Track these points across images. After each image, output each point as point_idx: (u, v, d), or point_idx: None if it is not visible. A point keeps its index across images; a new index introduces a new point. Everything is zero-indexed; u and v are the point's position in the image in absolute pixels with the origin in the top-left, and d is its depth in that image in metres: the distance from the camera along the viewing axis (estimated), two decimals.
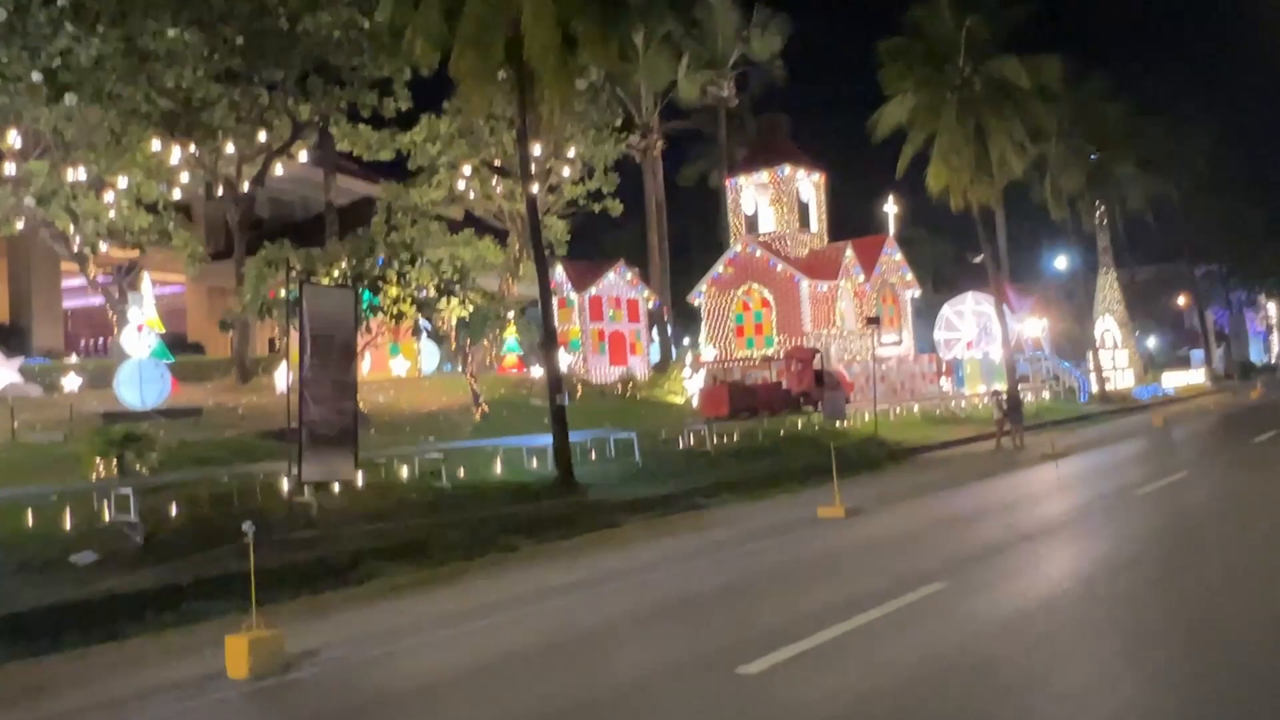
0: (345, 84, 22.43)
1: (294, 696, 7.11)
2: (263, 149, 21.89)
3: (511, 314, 26.60)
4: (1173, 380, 49.36)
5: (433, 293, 18.61)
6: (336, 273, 18.71)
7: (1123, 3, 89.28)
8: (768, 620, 7.89)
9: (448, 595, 10.67)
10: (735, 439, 22.92)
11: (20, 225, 19.63)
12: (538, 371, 25.50)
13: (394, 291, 18.98)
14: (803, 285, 31.57)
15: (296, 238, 22.45)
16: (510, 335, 26.68)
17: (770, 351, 30.59)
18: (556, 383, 17.45)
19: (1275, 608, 7.18)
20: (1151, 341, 59.67)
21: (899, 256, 35.87)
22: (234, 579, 11.41)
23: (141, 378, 17.65)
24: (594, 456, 19.97)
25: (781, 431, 23.96)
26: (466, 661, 7.70)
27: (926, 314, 43.83)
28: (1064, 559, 9.67)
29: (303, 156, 23.66)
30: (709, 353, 32.50)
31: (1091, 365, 42.04)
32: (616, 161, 29.62)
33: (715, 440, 22.01)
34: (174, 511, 12.99)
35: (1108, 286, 52.02)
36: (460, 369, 22.47)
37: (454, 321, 20.94)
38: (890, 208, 34.90)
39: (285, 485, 13.90)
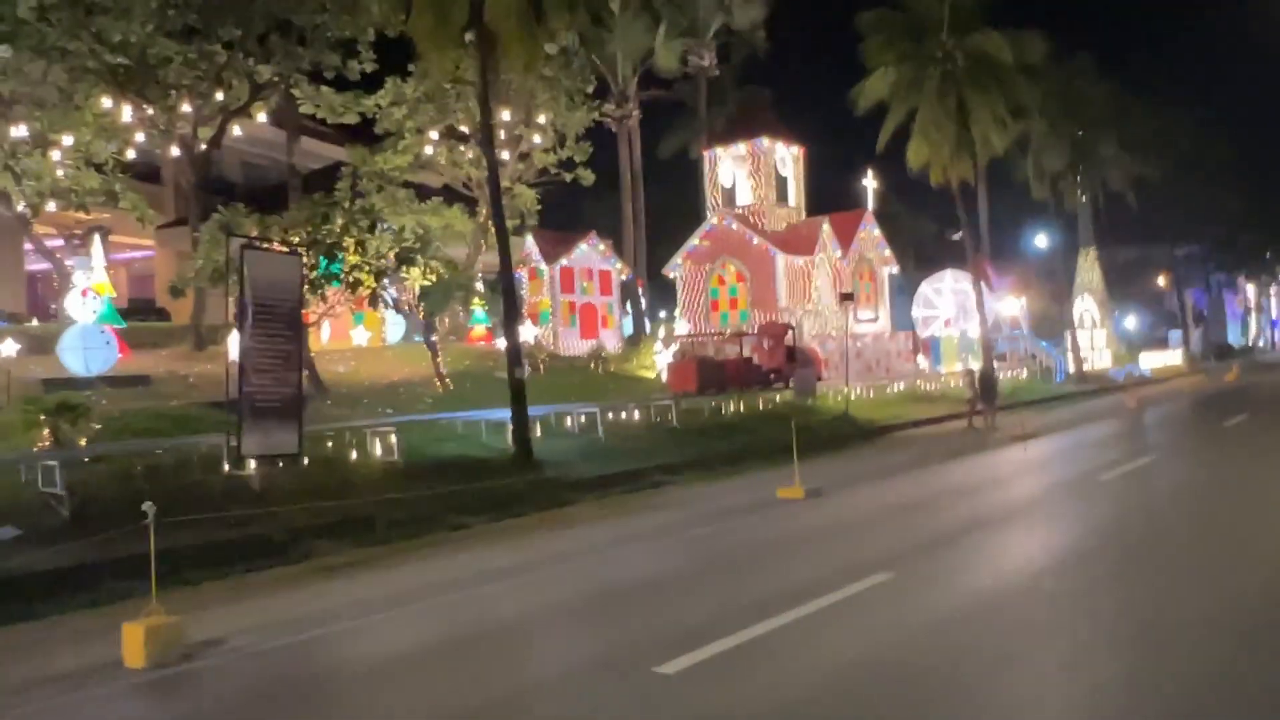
0: (307, 44, 21.67)
1: (185, 688, 6.70)
2: (220, 109, 21.14)
3: (480, 284, 26.06)
4: (1150, 361, 49.31)
5: (391, 261, 18.02)
6: (296, 239, 18.14)
7: None
8: (701, 612, 7.51)
9: (382, 577, 10.27)
10: (704, 415, 22.57)
11: None
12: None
13: (352, 259, 18.43)
14: (778, 260, 31.10)
15: (270, 203, 21.79)
16: (478, 306, 26.13)
17: (744, 326, 30.16)
18: (516, 355, 16.99)
19: (1231, 608, 6.84)
20: (1130, 322, 59.59)
21: (877, 232, 35.41)
22: (161, 557, 11.01)
23: (85, 344, 17.05)
24: (556, 432, 19.55)
25: (751, 408, 23.60)
26: (377, 652, 7.30)
27: (908, 291, 43.48)
28: (1017, 550, 9.33)
29: (261, 118, 22.90)
30: (683, 327, 32.05)
31: (1069, 345, 41.86)
32: (592, 131, 29.00)
33: (683, 416, 21.63)
34: (105, 485, 12.51)
35: (1088, 266, 51.82)
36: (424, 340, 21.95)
37: (417, 291, 20.42)
38: (869, 182, 34.40)
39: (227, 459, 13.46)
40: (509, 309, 17.19)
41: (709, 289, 32.78)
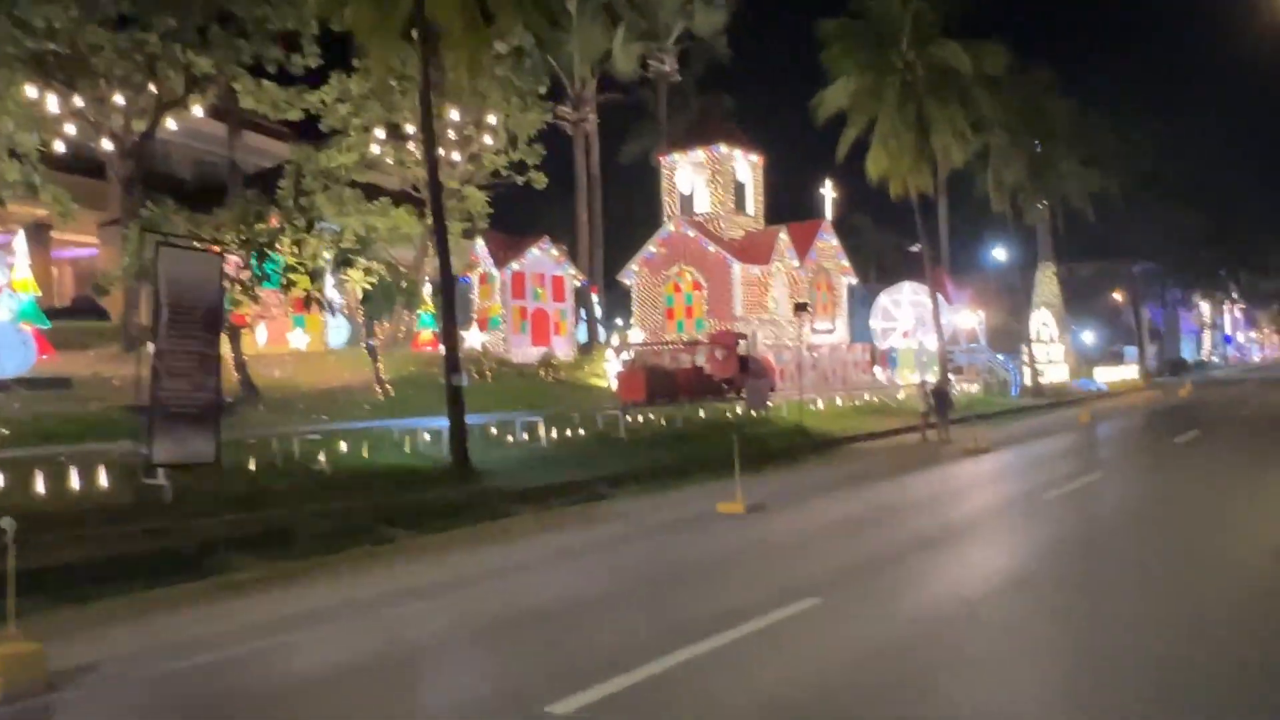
0: (248, 36, 20.94)
1: None
2: (155, 102, 20.33)
3: (429, 288, 25.42)
4: (1105, 376, 49.69)
5: (324, 263, 17.36)
6: (228, 238, 17.44)
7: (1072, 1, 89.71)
8: (613, 640, 7.01)
9: (291, 596, 9.64)
10: (653, 425, 22.11)
11: None
12: None
13: (289, 259, 17.76)
14: (734, 268, 30.75)
15: (218, 201, 20.97)
16: (427, 310, 25.47)
17: (700, 335, 29.74)
18: (454, 361, 16.41)
19: (1169, 640, 6.45)
20: (1087, 337, 60.09)
21: (835, 242, 35.21)
22: (56, 571, 10.31)
23: (1, 343, 16.21)
24: (499, 441, 18.99)
25: (701, 419, 23.18)
26: (260, 683, 6.72)
27: (869, 303, 43.41)
28: (954, 573, 8.92)
29: (199, 112, 22.10)
30: (637, 335, 31.58)
31: (1025, 359, 41.96)
32: (549, 134, 28.46)
33: (631, 426, 21.17)
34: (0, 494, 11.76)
35: (1046, 280, 52.16)
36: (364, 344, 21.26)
37: (359, 294, 19.76)
38: (827, 192, 34.18)
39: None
40: (448, 313, 16.60)
41: (665, 297, 32.35)
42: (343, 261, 17.91)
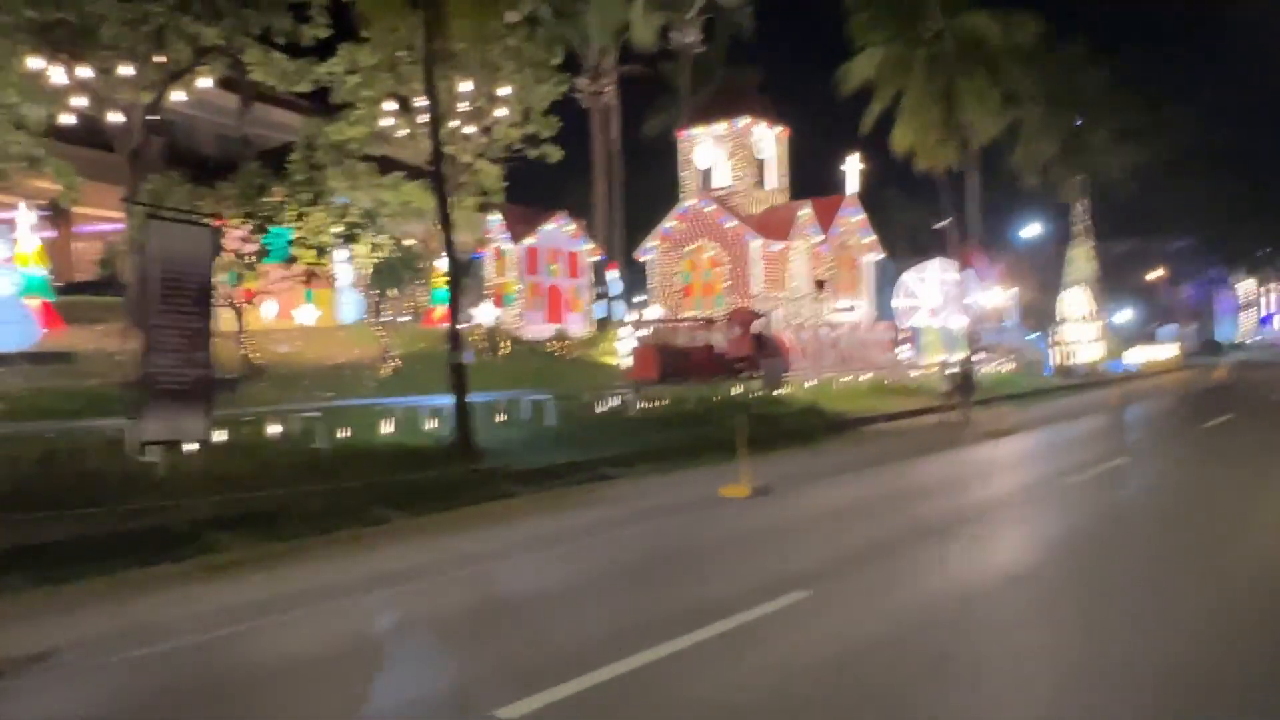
0: (257, 5, 20.56)
1: None
2: (162, 73, 20.04)
3: (445, 263, 25.06)
4: (1140, 356, 48.44)
5: (330, 238, 17.05)
6: (231, 212, 17.20)
7: None
8: (578, 637, 6.63)
9: (271, 578, 9.38)
10: (665, 405, 21.69)
11: None
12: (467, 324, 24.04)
13: (297, 233, 17.49)
14: (753, 244, 30.09)
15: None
16: (439, 286, 25.14)
17: (718, 313, 29.20)
18: (456, 338, 16.05)
19: (1185, 651, 5.94)
20: (1123, 316, 58.69)
21: (859, 217, 34.36)
22: (37, 551, 10.12)
23: (2, 318, 16.07)
24: (505, 419, 18.67)
25: (715, 398, 22.72)
26: (215, 672, 6.45)
27: (897, 280, 42.55)
28: (955, 566, 8.43)
29: (205, 84, 21.76)
30: (654, 312, 31.08)
31: (1057, 338, 40.97)
32: (570, 108, 27.90)
33: (643, 405, 20.77)
34: None
35: (1080, 258, 50.89)
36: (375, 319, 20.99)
37: (369, 269, 19.49)
38: (852, 166, 33.33)
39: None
40: (453, 289, 16.25)
41: (683, 273, 31.80)
42: (348, 236, 17.56)
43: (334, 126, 22.30)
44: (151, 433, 12.13)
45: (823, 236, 32.17)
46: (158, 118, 19.83)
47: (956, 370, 23.36)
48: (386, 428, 16.38)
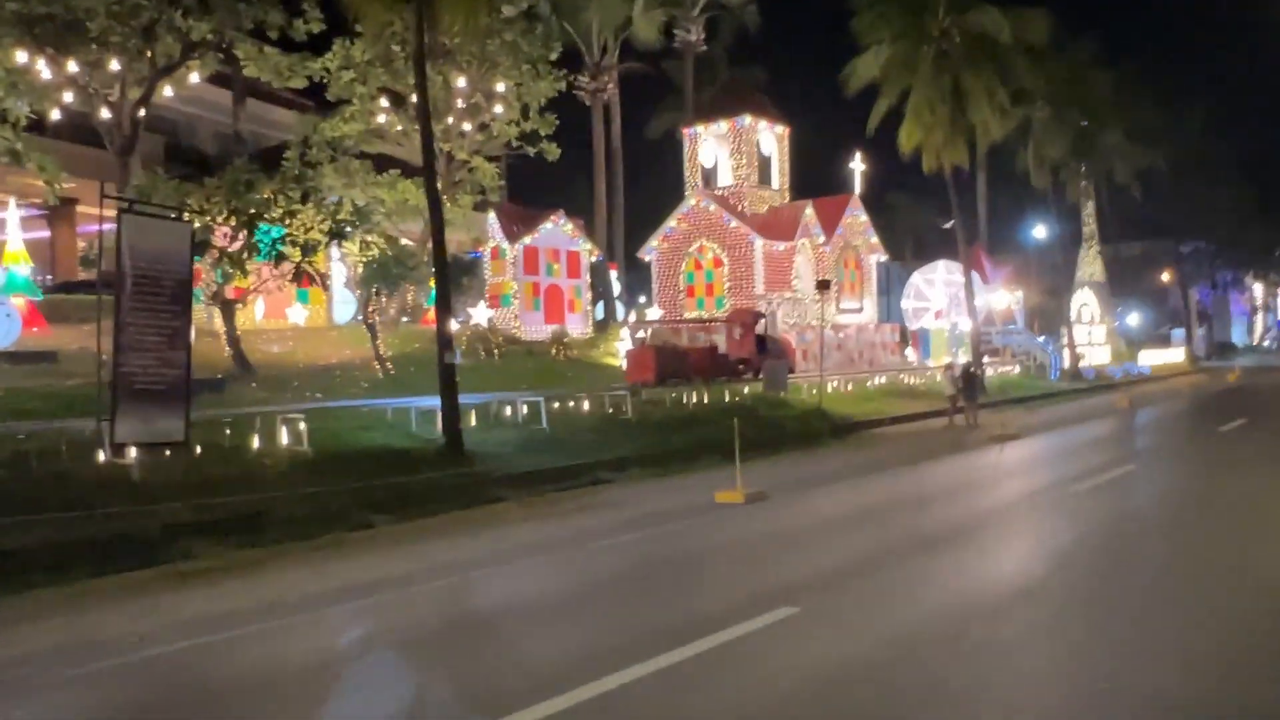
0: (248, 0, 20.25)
1: None
2: (152, 68, 19.71)
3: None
4: (1151, 359, 47.81)
5: (319, 235, 16.66)
6: (216, 208, 16.81)
7: None
8: (550, 656, 6.21)
9: (242, 587, 8.99)
10: (664, 407, 21.24)
11: None
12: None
13: (288, 231, 17.09)
14: (756, 244, 29.64)
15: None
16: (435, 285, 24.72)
17: (720, 314, 28.74)
18: (445, 339, 15.65)
19: (1191, 680, 5.48)
20: (1133, 319, 58.01)
21: (864, 218, 33.89)
22: (2, 558, 9.74)
23: None
24: (499, 422, 18.23)
25: (715, 400, 22.25)
26: (160, 691, 6.06)
27: (905, 282, 42.07)
28: (954, 580, 7.96)
29: (195, 79, 21.43)
30: (655, 313, 30.62)
31: (1065, 341, 40.42)
32: (571, 106, 27.50)
33: (640, 407, 20.31)
34: None
35: (1090, 260, 50.29)
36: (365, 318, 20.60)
37: (360, 269, 19.10)
38: (857, 165, 32.86)
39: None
40: (441, 288, 15.84)
41: (685, 273, 31.35)
42: (337, 234, 17.17)
43: (329, 123, 21.94)
44: (126, 434, 11.76)
45: (827, 237, 31.69)
46: (143, 113, 19.44)
47: (962, 372, 22.88)
48: (375, 430, 15.97)
